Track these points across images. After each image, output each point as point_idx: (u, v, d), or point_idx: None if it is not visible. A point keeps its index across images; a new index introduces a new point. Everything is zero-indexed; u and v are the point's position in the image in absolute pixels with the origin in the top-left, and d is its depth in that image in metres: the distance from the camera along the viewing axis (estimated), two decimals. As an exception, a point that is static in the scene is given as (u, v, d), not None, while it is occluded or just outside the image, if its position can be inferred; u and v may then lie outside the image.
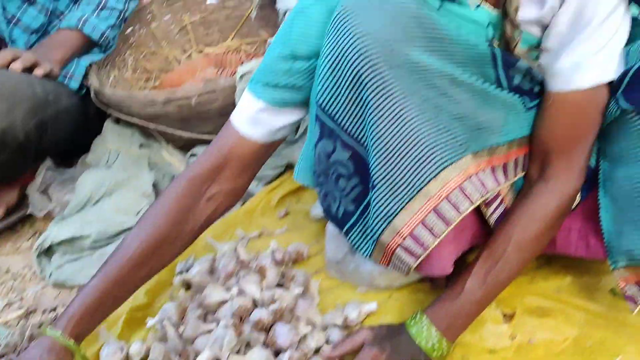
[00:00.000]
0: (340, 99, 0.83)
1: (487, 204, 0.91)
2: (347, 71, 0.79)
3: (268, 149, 1.00)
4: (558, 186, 0.88)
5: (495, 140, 0.88)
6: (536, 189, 0.90)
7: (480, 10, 0.84)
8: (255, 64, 1.39)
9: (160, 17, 1.93)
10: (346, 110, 0.83)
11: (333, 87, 0.82)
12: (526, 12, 0.84)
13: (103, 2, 1.62)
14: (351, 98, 0.81)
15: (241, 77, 1.38)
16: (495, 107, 0.87)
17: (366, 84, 0.78)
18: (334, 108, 0.84)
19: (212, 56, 1.95)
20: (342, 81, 0.81)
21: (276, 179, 1.44)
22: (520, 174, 0.92)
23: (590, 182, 0.91)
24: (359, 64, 0.77)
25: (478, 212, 0.92)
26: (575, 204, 0.92)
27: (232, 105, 1.42)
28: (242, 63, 1.85)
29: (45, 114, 1.41)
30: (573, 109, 0.85)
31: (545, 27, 0.86)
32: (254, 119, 0.97)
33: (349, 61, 0.78)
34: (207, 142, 1.51)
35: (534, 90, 0.89)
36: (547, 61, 0.86)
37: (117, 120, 1.57)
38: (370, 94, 0.79)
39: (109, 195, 1.35)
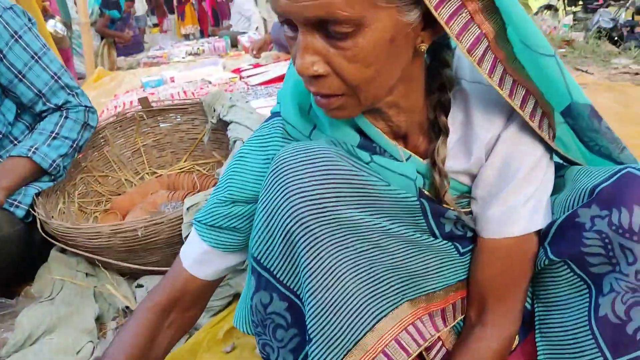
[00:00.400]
0: (275, 253, 0.83)
1: (428, 348, 0.91)
2: (280, 228, 0.80)
3: (219, 282, 1.04)
4: (496, 331, 0.89)
5: (431, 286, 0.89)
6: (475, 333, 0.90)
7: (409, 162, 0.87)
8: (203, 197, 1.41)
9: (114, 140, 1.95)
10: (281, 263, 0.83)
11: (267, 241, 0.83)
12: (454, 164, 0.87)
13: (56, 131, 1.63)
14: (285, 252, 0.82)
15: (188, 209, 1.39)
16: (430, 255, 0.88)
17: (298, 241, 0.79)
18: (269, 261, 0.84)
19: (165, 178, 1.97)
20: (275, 237, 0.81)
21: (224, 310, 1.42)
22: (460, 318, 0.93)
23: (528, 324, 0.92)
24: (290, 221, 0.78)
25: (420, 354, 0.92)
26: (514, 345, 0.92)
27: (179, 236, 1.43)
28: (194, 187, 1.88)
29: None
30: (504, 256, 0.87)
31: (474, 177, 0.90)
32: (200, 260, 0.98)
33: (281, 218, 0.79)
34: (153, 272, 1.50)
35: (467, 235, 0.92)
36: (477, 209, 0.89)
37: (63, 249, 1.55)
38: (302, 250, 0.79)
39: (50, 333, 1.30)
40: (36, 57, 1.58)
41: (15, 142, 1.66)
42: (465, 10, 0.71)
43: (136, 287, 1.51)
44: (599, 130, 0.82)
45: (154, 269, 1.46)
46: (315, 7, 0.65)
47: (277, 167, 0.81)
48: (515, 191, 0.84)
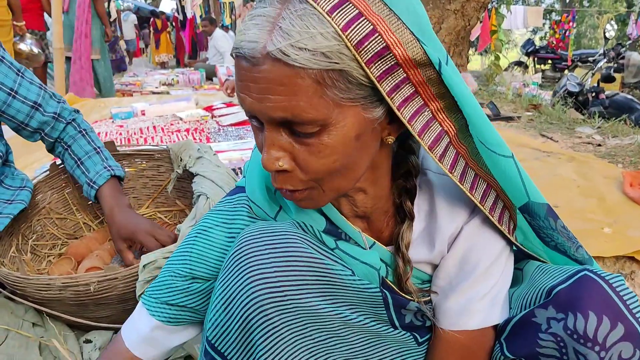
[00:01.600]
0: (231, 338, 0.81)
1: None
2: (238, 313, 0.78)
3: None
4: None
5: None
6: None
7: (373, 251, 0.88)
8: (160, 254, 1.38)
9: (75, 182, 1.91)
10: (236, 350, 0.82)
11: (224, 325, 0.81)
12: (417, 253, 0.89)
13: (94, 146, 1.69)
14: (241, 339, 0.81)
15: (144, 266, 1.36)
16: (388, 346, 0.88)
17: (256, 329, 0.78)
18: (224, 346, 0.83)
19: (125, 224, 1.93)
20: (232, 322, 0.80)
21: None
22: None
23: None
24: (249, 308, 0.77)
25: None
26: None
27: (133, 293, 1.40)
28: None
29: None
30: (460, 348, 0.88)
31: (435, 267, 0.90)
32: (147, 338, 0.96)
33: (240, 304, 0.78)
34: (104, 328, 1.46)
35: (425, 324, 0.92)
36: (437, 299, 0.90)
37: (11, 297, 1.49)
38: (259, 338, 0.78)
39: (-13, 389, 1.25)
40: (20, 73, 1.56)
41: None
42: (427, 109, 0.74)
43: (84, 342, 1.46)
44: (555, 229, 0.84)
45: (105, 325, 1.42)
46: (281, 109, 0.67)
47: (239, 248, 0.80)
48: (473, 285, 0.85)
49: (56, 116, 1.62)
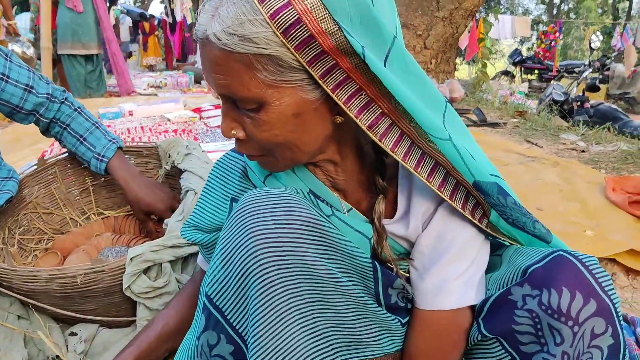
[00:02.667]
0: (229, 293, 0.84)
1: None
2: (237, 267, 0.81)
3: None
4: None
5: (370, 352, 0.91)
6: None
7: (356, 218, 0.93)
8: (147, 247, 1.39)
9: (62, 178, 1.91)
10: (234, 305, 0.84)
11: (223, 280, 0.84)
12: (394, 228, 0.93)
13: (92, 122, 1.75)
14: (239, 294, 0.83)
15: (132, 259, 1.37)
16: (372, 322, 0.90)
17: (252, 283, 0.80)
18: (222, 301, 0.85)
19: (111, 220, 1.93)
20: (231, 276, 0.82)
21: None
22: None
23: None
24: (248, 262, 0.80)
25: None
26: None
27: (119, 286, 1.40)
28: (140, 232, 1.85)
29: None
30: (437, 328, 0.90)
31: (412, 244, 0.93)
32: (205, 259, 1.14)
33: (239, 258, 0.80)
34: (89, 321, 1.46)
35: (408, 307, 0.94)
36: (414, 278, 0.92)
37: (-4, 289, 1.49)
38: (255, 293, 0.80)
39: (-30, 379, 1.25)
40: (9, 57, 1.58)
41: None
42: (364, 93, 0.78)
43: (69, 334, 1.46)
44: (506, 205, 0.85)
45: (90, 317, 1.42)
46: (222, 87, 0.77)
47: (242, 207, 0.84)
48: (448, 265, 0.88)
49: (49, 96, 1.65)
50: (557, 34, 14.20)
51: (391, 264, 0.92)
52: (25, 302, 1.47)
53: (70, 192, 1.95)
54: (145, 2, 22.44)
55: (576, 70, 11.74)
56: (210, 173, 1.08)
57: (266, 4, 0.70)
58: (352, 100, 0.77)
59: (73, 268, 1.36)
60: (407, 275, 0.94)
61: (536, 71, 14.62)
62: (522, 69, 14.93)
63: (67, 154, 1.91)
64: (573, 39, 29.28)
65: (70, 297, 1.40)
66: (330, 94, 0.76)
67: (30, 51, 5.58)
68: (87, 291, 1.39)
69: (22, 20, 6.35)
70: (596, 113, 6.41)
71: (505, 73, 14.61)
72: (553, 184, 2.81)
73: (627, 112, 8.15)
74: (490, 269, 0.95)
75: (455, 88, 5.88)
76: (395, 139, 0.81)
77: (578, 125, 4.65)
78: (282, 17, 0.70)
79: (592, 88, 10.13)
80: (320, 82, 0.75)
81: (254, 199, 0.84)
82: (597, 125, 4.76)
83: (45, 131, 1.74)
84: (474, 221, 0.89)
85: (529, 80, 14.58)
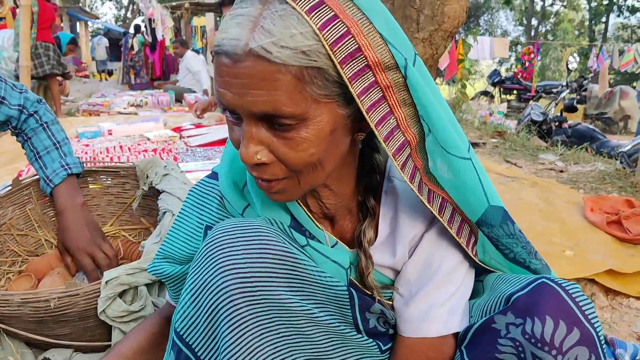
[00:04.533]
0: (199, 330, 0.82)
1: None
2: (207, 303, 0.79)
3: None
4: None
5: None
6: None
7: (342, 251, 0.91)
8: (123, 271, 1.36)
9: (37, 199, 1.88)
10: (204, 341, 0.82)
11: (192, 316, 0.82)
12: (381, 258, 0.91)
13: (54, 141, 1.70)
14: (209, 330, 0.81)
15: (107, 282, 1.34)
16: (352, 350, 0.89)
17: (223, 319, 0.78)
18: (192, 337, 0.83)
19: (88, 242, 1.90)
20: (201, 312, 0.81)
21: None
22: None
23: None
24: (218, 298, 0.78)
25: None
26: None
27: (94, 309, 1.37)
28: (117, 253, 1.82)
29: None
30: (420, 356, 0.89)
31: (397, 272, 0.93)
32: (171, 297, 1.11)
33: (209, 294, 0.79)
34: (62, 346, 1.43)
35: (389, 332, 0.93)
36: (399, 306, 0.91)
37: (-33, 314, 1.45)
38: (226, 330, 0.78)
39: (-63, 408, 1.21)
40: None
41: None
42: (393, 117, 0.77)
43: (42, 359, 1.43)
44: (514, 234, 0.85)
45: (64, 342, 1.39)
46: (262, 104, 0.70)
47: (211, 241, 0.82)
48: (433, 292, 0.87)
49: (21, 108, 1.62)
50: (535, 55, 14.42)
51: (374, 292, 0.91)
52: (-3, 327, 1.43)
53: (45, 213, 1.91)
54: (127, 21, 22.42)
55: (554, 90, 11.93)
56: (186, 200, 1.04)
57: (314, 16, 0.68)
58: (383, 124, 0.76)
59: (46, 292, 1.33)
60: (391, 303, 0.93)
61: (515, 91, 14.82)
62: (501, 89, 15.14)
63: (42, 174, 1.88)
64: (551, 60, 29.79)
65: (43, 322, 1.37)
66: (365, 114, 0.75)
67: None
68: (60, 315, 1.35)
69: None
70: (574, 133, 6.50)
71: (485, 93, 14.79)
72: (532, 203, 2.82)
73: (604, 132, 8.29)
74: (473, 295, 0.94)
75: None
76: (412, 170, 0.81)
77: (556, 146, 4.71)
78: (331, 29, 0.69)
79: (570, 108, 10.28)
80: (357, 100, 0.73)
81: (225, 231, 0.82)
82: (575, 145, 4.82)
83: (16, 137, 1.72)
84: (466, 249, 0.88)
85: (508, 101, 14.77)
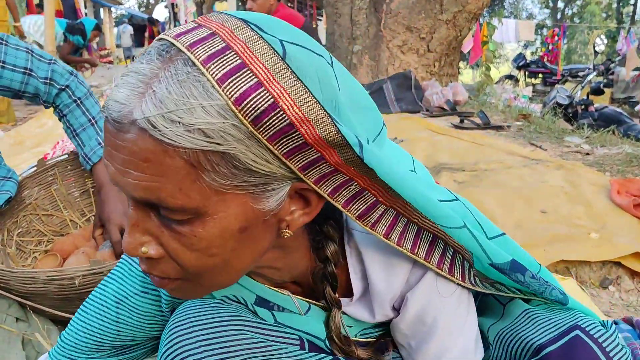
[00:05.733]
0: None
1: None
2: None
3: None
4: None
5: None
6: None
7: (312, 318, 0.82)
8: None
9: (62, 179, 1.90)
10: None
11: None
12: (361, 316, 0.82)
13: (90, 117, 1.69)
14: None
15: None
16: None
17: None
18: None
19: (112, 222, 1.92)
20: None
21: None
22: None
23: None
24: None
25: None
26: None
27: (118, 288, 1.39)
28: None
29: None
30: None
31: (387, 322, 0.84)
32: None
33: None
34: (88, 323, 1.45)
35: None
36: (404, 355, 0.85)
37: (-5, 291, 1.48)
38: None
39: (-33, 382, 1.24)
40: (4, 41, 1.54)
41: None
42: (354, 183, 0.64)
43: (67, 337, 1.45)
44: (524, 282, 0.77)
45: (88, 319, 1.41)
46: (144, 190, 0.54)
47: (170, 347, 0.73)
48: (437, 346, 0.79)
49: (48, 81, 1.61)
50: (561, 38, 14.17)
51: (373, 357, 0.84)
52: (24, 304, 1.46)
53: (70, 193, 1.94)
54: (150, 7, 22.53)
55: (580, 74, 11.72)
56: (111, 272, 0.90)
57: (230, 85, 0.52)
58: (340, 191, 0.63)
59: (71, 270, 1.35)
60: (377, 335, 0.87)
61: (540, 75, 14.59)
62: (526, 73, 14.91)
63: (67, 156, 1.90)
64: (577, 43, 29.25)
65: (68, 299, 1.39)
66: (313, 186, 0.60)
67: None
68: (85, 293, 1.37)
69: (26, 24, 6.35)
70: (600, 116, 6.38)
71: (509, 77, 14.59)
72: (557, 186, 2.78)
73: (632, 115, 8.12)
74: (485, 310, 0.87)
75: (458, 91, 5.87)
76: (389, 222, 0.70)
77: (582, 129, 4.63)
78: (252, 102, 0.52)
79: (597, 92, 10.11)
80: (300, 174, 0.58)
81: (182, 332, 0.73)
82: (602, 129, 4.73)
83: (53, 110, 1.72)
84: (463, 283, 0.78)
85: (533, 85, 14.55)
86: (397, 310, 0.79)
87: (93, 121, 1.70)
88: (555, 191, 2.72)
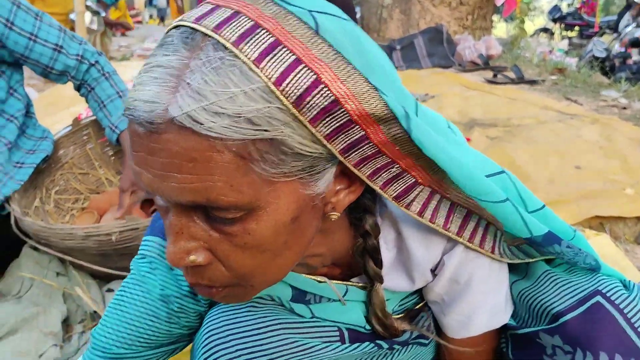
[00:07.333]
0: None
1: None
2: None
3: None
4: None
5: None
6: None
7: (353, 308, 0.82)
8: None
9: (97, 138, 1.93)
10: None
11: None
12: (397, 285, 0.81)
13: (117, 90, 1.72)
14: None
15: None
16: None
17: None
18: None
19: (146, 180, 1.96)
20: None
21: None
22: None
23: None
24: None
25: None
26: None
27: (154, 243, 1.42)
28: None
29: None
30: (469, 344, 0.84)
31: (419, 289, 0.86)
32: None
33: None
34: (125, 277, 1.49)
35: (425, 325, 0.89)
36: (436, 311, 0.86)
37: (36, 247, 1.53)
38: None
39: (13, 333, 1.29)
40: (39, 17, 1.58)
41: (10, 118, 1.64)
42: (396, 165, 0.61)
43: (106, 291, 1.50)
44: (560, 252, 0.74)
45: (126, 274, 1.44)
46: (191, 192, 0.50)
47: (207, 349, 0.73)
48: (469, 304, 0.80)
49: (79, 58, 1.65)
50: (599, -12, 13.67)
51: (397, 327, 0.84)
52: (63, 259, 1.50)
53: (104, 152, 1.97)
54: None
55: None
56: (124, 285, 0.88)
57: (267, 64, 0.48)
58: (380, 174, 0.61)
59: (108, 226, 1.38)
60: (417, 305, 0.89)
61: (577, 28, 14.15)
62: (562, 26, 14.47)
63: (100, 115, 1.94)
64: (616, -6, 28.21)
65: (106, 255, 1.43)
66: (353, 169, 0.58)
67: (95, 25, 5.66)
68: (122, 248, 1.41)
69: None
70: (639, 70, 6.19)
71: (544, 30, 14.20)
72: (592, 141, 2.73)
73: (672, 68, 7.86)
74: (509, 265, 0.85)
75: (492, 45, 5.73)
76: (424, 200, 0.67)
77: (620, 82, 4.50)
78: (294, 81, 0.49)
79: (635, 44, 9.77)
80: (340, 157, 0.55)
81: (220, 341, 0.73)
82: (640, 82, 4.60)
83: (78, 90, 1.75)
84: (492, 255, 0.77)
85: (569, 38, 14.12)
86: (434, 273, 0.80)
87: (121, 93, 1.73)
88: (590, 146, 2.67)
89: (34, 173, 1.66)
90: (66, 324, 1.42)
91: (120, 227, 1.38)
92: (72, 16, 5.37)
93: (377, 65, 0.55)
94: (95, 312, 1.41)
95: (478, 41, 5.84)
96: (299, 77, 0.49)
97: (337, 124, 0.52)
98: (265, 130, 0.48)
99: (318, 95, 0.50)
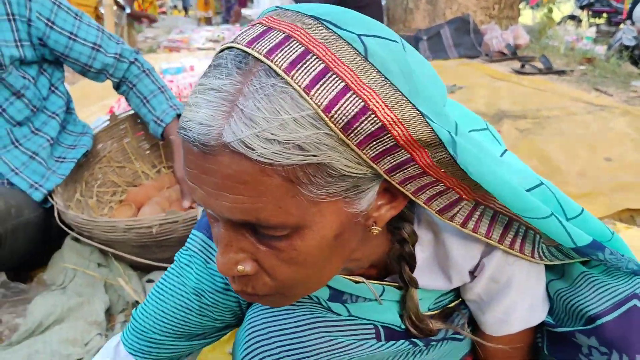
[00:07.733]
0: None
1: None
2: None
3: None
4: None
5: None
6: None
7: (388, 306, 0.84)
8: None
9: (133, 133, 1.98)
10: None
11: None
12: (431, 283, 0.82)
13: (158, 85, 1.78)
14: None
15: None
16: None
17: None
18: None
19: (180, 173, 2.00)
20: None
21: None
22: None
23: None
24: None
25: None
26: None
27: (193, 236, 1.46)
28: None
29: (3, 228, 1.43)
30: (506, 342, 0.86)
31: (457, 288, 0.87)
32: None
33: None
34: (164, 268, 1.54)
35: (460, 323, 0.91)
36: (474, 309, 0.87)
37: (77, 238, 1.59)
38: None
39: (60, 322, 1.34)
40: (79, 17, 1.64)
41: (52, 115, 1.69)
42: (440, 184, 0.63)
43: (147, 282, 1.55)
44: (604, 259, 0.74)
45: (166, 265, 1.49)
46: (241, 212, 0.52)
47: (249, 351, 0.77)
48: (507, 304, 0.81)
49: (118, 56, 1.70)
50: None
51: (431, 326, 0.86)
52: (105, 251, 1.55)
53: (140, 146, 2.02)
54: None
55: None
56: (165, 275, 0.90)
57: (318, 92, 0.49)
58: (424, 190, 0.62)
59: (149, 219, 1.43)
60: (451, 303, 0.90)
61: (605, 15, 13.89)
62: (590, 12, 14.21)
63: (135, 110, 1.99)
64: (646, -21, 27.59)
65: (146, 246, 1.48)
66: (398, 186, 0.59)
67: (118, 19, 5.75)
68: (162, 241, 1.45)
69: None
70: (670, 58, 6.08)
71: (572, 17, 13.94)
72: (623, 133, 2.71)
73: None
74: (550, 270, 0.85)
75: (519, 34, 5.69)
76: (468, 212, 0.69)
77: (651, 72, 4.44)
78: (342, 108, 0.50)
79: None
80: (386, 176, 0.57)
81: (260, 338, 0.77)
82: (672, 71, 4.53)
83: (117, 88, 1.80)
84: (531, 259, 0.78)
85: (597, 25, 13.86)
86: (474, 275, 0.81)
87: (162, 89, 1.77)
88: (621, 138, 2.65)
89: (75, 167, 1.71)
90: (108, 313, 1.47)
91: (160, 220, 1.42)
92: (101, 9, 5.45)
93: (423, 89, 0.55)
94: (136, 302, 1.46)
95: (505, 31, 5.79)
96: (348, 104, 0.50)
97: (384, 148, 0.53)
98: (314, 156, 0.50)
99: (366, 122, 0.51)
